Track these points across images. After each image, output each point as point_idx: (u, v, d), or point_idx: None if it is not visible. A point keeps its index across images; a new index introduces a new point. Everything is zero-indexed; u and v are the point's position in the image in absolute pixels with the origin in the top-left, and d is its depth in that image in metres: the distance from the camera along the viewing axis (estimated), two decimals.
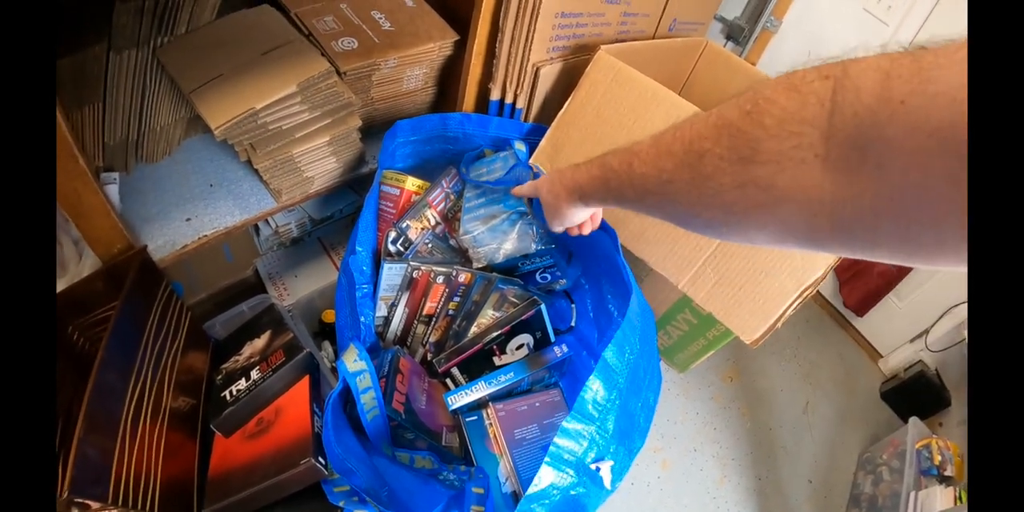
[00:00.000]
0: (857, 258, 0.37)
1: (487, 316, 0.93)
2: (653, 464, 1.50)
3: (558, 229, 0.77)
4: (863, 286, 1.85)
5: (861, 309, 1.90)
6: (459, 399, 0.87)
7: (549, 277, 1.02)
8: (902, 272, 1.75)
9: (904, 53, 0.32)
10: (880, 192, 0.32)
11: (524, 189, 0.82)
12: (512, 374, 0.89)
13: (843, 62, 0.35)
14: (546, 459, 0.68)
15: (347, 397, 0.79)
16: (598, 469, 0.75)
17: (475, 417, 0.86)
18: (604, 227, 0.93)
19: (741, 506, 1.52)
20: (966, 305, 1.58)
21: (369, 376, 0.76)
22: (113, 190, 0.95)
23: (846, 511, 1.58)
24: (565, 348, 0.92)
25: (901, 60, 0.31)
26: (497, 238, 0.95)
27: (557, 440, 0.69)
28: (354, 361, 0.75)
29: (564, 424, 0.70)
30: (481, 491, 0.72)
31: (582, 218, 0.75)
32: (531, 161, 0.99)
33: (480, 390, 0.88)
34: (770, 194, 0.37)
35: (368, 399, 0.76)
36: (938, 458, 1.45)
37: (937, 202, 0.30)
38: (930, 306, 1.75)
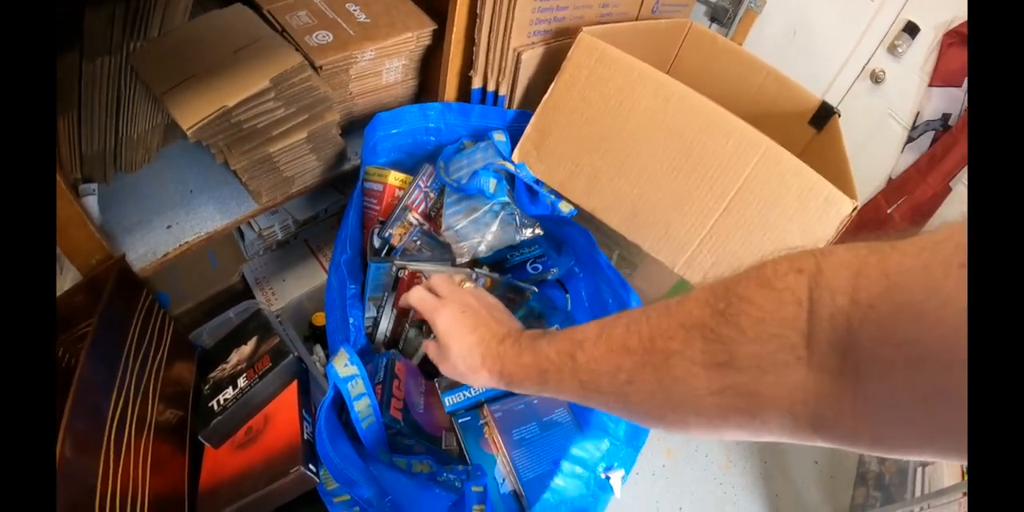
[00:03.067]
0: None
1: None
2: (657, 453, 1.46)
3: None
4: None
5: None
6: (456, 399, 0.82)
7: (540, 267, 0.96)
8: None
9: (870, 247, 0.30)
10: (858, 397, 0.30)
11: (431, 351, 0.61)
12: None
13: (815, 254, 0.32)
14: (558, 474, 0.66)
15: (340, 403, 0.73)
16: (608, 478, 0.70)
17: (469, 418, 0.80)
18: (577, 229, 0.88)
19: (748, 490, 1.48)
20: None
21: (362, 381, 0.69)
22: (92, 201, 0.90)
23: (853, 490, 1.54)
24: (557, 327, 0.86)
25: (868, 258, 0.30)
26: (480, 231, 0.89)
27: (572, 452, 0.64)
28: (344, 365, 0.68)
29: (580, 441, 0.66)
30: (480, 489, 0.67)
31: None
32: (517, 148, 0.93)
33: (477, 390, 0.82)
34: (751, 400, 0.34)
35: (363, 407, 0.69)
36: None
37: (912, 417, 0.29)
38: None
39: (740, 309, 0.34)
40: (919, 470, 1.41)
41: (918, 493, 1.38)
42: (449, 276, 0.70)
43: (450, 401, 0.81)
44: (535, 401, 0.86)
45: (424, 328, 0.86)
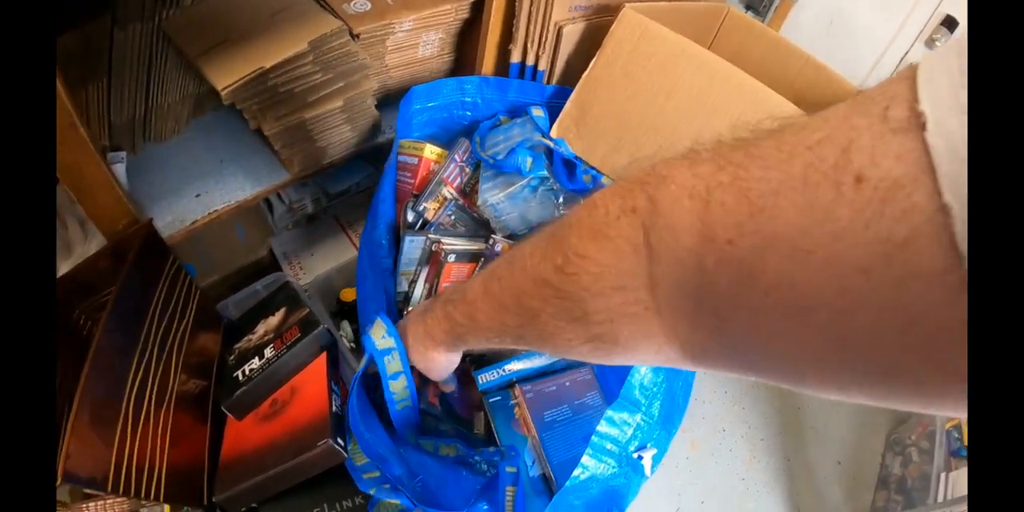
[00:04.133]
0: None
1: None
2: (682, 444, 1.42)
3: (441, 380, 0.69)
4: None
5: None
6: (489, 377, 0.79)
7: None
8: None
9: (717, 160, 0.25)
10: (724, 344, 0.27)
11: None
12: (546, 356, 0.81)
13: (645, 185, 0.28)
14: (588, 451, 0.61)
15: (373, 378, 0.69)
16: (640, 458, 0.67)
17: (500, 397, 0.77)
18: None
19: (770, 487, 1.44)
20: None
21: (399, 356, 0.63)
22: (120, 169, 0.88)
23: (875, 493, 1.50)
24: None
25: (718, 176, 0.24)
26: (518, 206, 0.86)
27: (600, 429, 0.61)
28: (382, 337, 0.63)
29: (609, 412, 0.62)
30: (514, 470, 0.64)
31: (449, 366, 0.64)
32: (556, 124, 0.90)
33: (512, 368, 0.79)
34: (619, 345, 0.33)
35: (399, 388, 0.65)
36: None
37: (801, 370, 0.24)
38: None
39: (578, 266, 0.32)
40: (943, 476, 1.37)
41: (940, 498, 1.34)
42: None
43: (483, 379, 0.79)
44: (567, 383, 0.83)
45: None
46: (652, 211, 0.27)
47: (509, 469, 0.64)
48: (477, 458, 0.72)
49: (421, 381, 0.71)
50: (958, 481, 1.34)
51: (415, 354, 0.61)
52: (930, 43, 1.44)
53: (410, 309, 0.83)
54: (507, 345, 0.46)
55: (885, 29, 1.47)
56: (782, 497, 1.43)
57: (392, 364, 0.64)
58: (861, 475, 1.52)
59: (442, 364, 0.61)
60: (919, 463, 1.45)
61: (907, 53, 1.47)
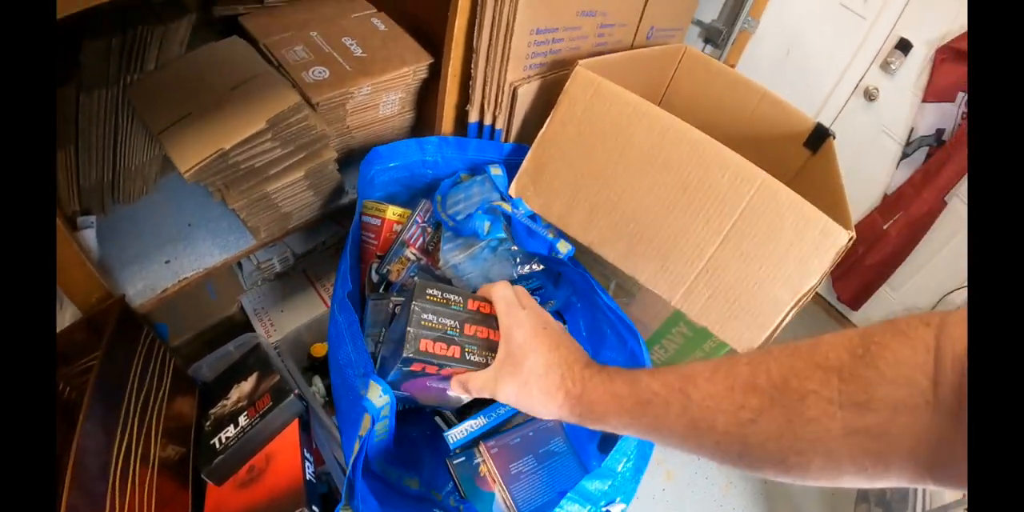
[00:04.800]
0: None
1: None
2: (656, 476, 1.46)
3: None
4: (856, 280, 1.80)
5: (855, 303, 1.86)
6: (458, 434, 0.82)
7: (538, 299, 0.97)
8: (896, 261, 1.71)
9: None
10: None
11: (476, 383, 0.57)
12: (508, 407, 0.84)
13: (940, 313, 0.36)
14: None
15: None
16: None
17: (463, 458, 0.81)
18: (575, 271, 0.88)
19: (749, 511, 1.48)
20: (961, 290, 1.56)
21: (389, 407, 0.69)
22: (90, 234, 0.91)
23: (855, 506, 1.54)
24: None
25: None
26: (479, 266, 0.90)
27: (572, 495, 0.64)
28: (379, 397, 0.67)
29: (584, 483, 0.65)
30: None
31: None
32: (514, 182, 0.94)
33: (478, 424, 0.83)
34: (882, 441, 0.36)
35: (381, 428, 0.71)
36: None
37: None
38: (925, 293, 1.70)
39: (878, 353, 0.36)
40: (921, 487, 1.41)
41: (919, 510, 1.39)
42: (526, 291, 0.65)
43: (453, 437, 0.82)
44: (531, 433, 0.86)
45: None
46: (942, 325, 0.35)
47: None
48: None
49: None
50: (936, 492, 1.38)
51: (529, 397, 0.51)
52: (885, 66, 1.49)
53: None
54: (682, 437, 0.43)
55: (841, 55, 1.52)
56: None
57: (383, 411, 0.68)
58: (840, 490, 1.57)
59: (537, 403, 0.52)
60: None
61: (863, 77, 1.52)
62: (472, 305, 0.67)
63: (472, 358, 0.61)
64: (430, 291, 0.66)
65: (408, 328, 0.61)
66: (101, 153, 0.89)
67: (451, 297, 0.67)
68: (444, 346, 0.61)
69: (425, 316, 0.62)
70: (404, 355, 0.59)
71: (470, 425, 0.83)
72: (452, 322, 0.63)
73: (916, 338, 0.35)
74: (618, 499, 0.74)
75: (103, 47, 0.81)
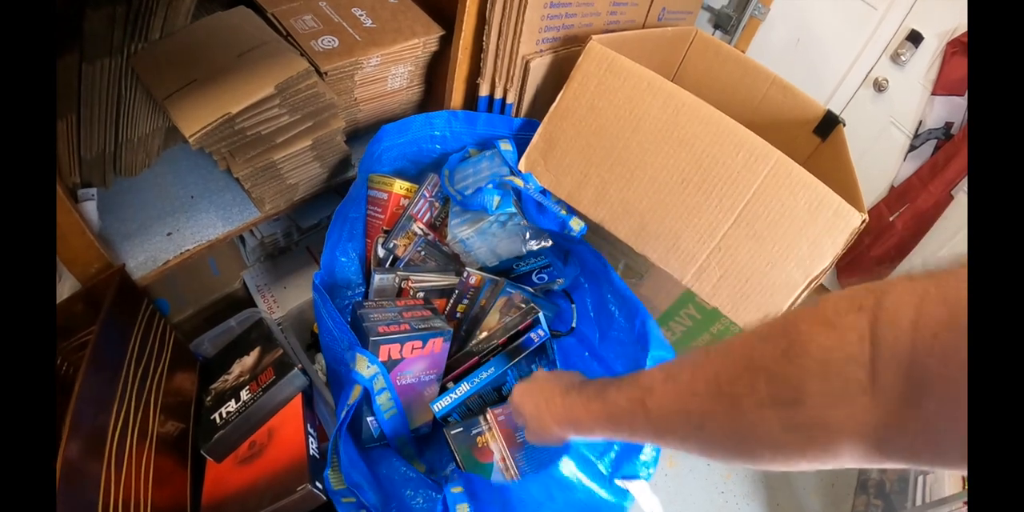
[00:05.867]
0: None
1: (493, 321, 0.86)
2: (659, 462, 1.44)
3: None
4: (861, 271, 1.78)
5: None
6: (444, 403, 0.81)
7: (546, 277, 0.95)
8: (901, 253, 1.69)
9: (929, 278, 0.32)
10: (921, 420, 0.32)
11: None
12: (492, 369, 0.83)
13: (874, 291, 0.34)
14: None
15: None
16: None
17: (460, 429, 0.79)
18: (587, 248, 0.87)
19: (749, 498, 1.47)
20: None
21: (383, 377, 0.72)
22: (91, 206, 0.88)
23: (854, 498, 1.52)
24: (541, 333, 0.84)
25: (929, 290, 0.31)
26: (487, 241, 0.88)
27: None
28: (367, 367, 0.70)
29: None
30: (460, 490, 0.68)
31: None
32: (524, 157, 0.91)
33: (463, 390, 0.81)
34: (822, 432, 0.35)
35: (384, 400, 0.73)
36: None
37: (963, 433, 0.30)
38: None
39: (803, 348, 0.35)
40: (920, 478, 1.40)
41: (919, 502, 1.37)
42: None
43: (438, 407, 0.81)
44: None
45: None
46: (878, 309, 0.33)
47: (455, 490, 0.68)
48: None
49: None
50: (936, 483, 1.36)
51: (536, 425, 0.59)
52: (895, 58, 1.47)
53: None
54: (653, 439, 0.47)
55: (851, 45, 1.50)
56: (762, 508, 1.46)
57: (377, 383, 0.71)
58: (840, 481, 1.55)
59: (557, 441, 0.59)
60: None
61: (872, 68, 1.50)
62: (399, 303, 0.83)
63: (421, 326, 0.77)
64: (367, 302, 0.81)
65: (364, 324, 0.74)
66: (103, 124, 0.87)
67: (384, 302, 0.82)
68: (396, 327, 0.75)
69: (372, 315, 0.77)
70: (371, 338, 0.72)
71: (454, 394, 0.82)
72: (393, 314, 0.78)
73: (845, 328, 0.34)
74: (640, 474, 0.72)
75: (107, 15, 0.79)
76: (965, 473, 0.32)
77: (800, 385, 0.35)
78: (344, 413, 0.68)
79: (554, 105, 0.89)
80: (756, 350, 0.38)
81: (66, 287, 0.85)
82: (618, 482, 0.69)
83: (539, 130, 0.90)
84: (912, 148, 1.52)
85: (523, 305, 0.86)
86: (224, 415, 0.79)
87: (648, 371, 0.47)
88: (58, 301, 0.80)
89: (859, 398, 0.33)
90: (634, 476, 0.70)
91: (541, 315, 0.83)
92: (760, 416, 0.37)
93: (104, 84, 0.83)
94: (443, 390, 0.83)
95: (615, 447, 0.70)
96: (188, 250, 0.88)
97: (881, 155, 1.55)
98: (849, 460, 0.36)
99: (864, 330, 0.33)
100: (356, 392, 0.70)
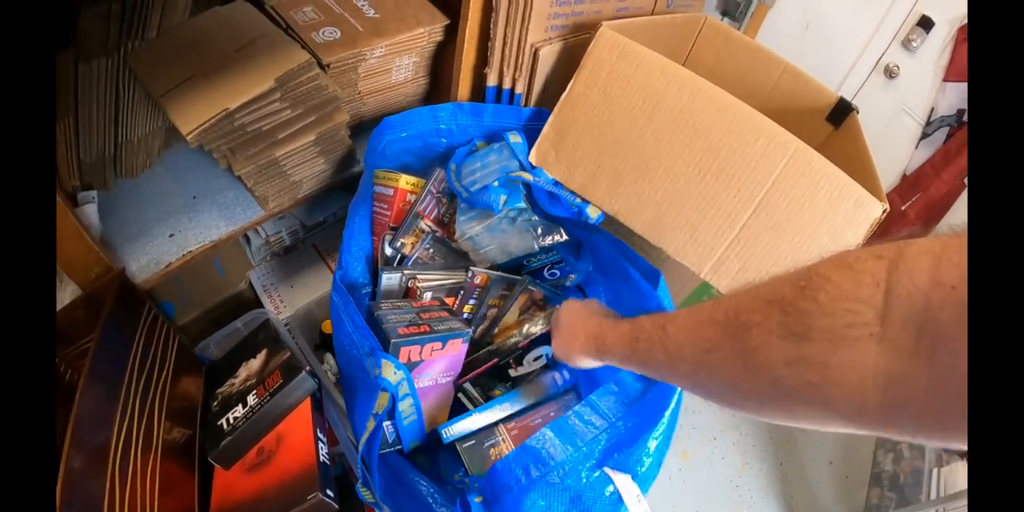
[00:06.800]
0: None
1: (512, 319, 0.82)
2: (673, 456, 1.41)
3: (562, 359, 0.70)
4: None
5: None
6: (453, 430, 0.76)
7: (558, 273, 0.91)
8: None
9: (954, 235, 0.31)
10: (931, 375, 0.31)
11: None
12: (507, 405, 0.79)
13: (897, 244, 0.33)
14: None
15: None
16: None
17: (472, 442, 0.76)
18: (605, 235, 0.82)
19: (764, 492, 1.43)
20: None
21: (407, 385, 0.68)
22: (92, 209, 0.85)
23: (868, 490, 1.49)
24: (566, 374, 0.81)
25: (951, 242, 0.31)
26: (497, 238, 0.83)
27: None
28: (394, 373, 0.67)
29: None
30: (480, 499, 0.64)
31: (586, 366, 0.67)
32: (534, 149, 0.87)
33: (474, 421, 0.77)
34: (822, 373, 0.35)
35: (406, 407, 0.70)
36: None
37: None
38: None
39: (818, 285, 0.35)
40: (935, 471, 1.36)
41: (933, 495, 1.34)
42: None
43: (448, 433, 0.76)
44: (551, 413, 0.81)
45: None
46: (898, 258, 0.32)
47: (477, 499, 0.64)
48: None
49: None
50: (950, 476, 1.33)
51: (567, 335, 0.64)
52: (906, 44, 1.42)
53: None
54: (664, 366, 0.48)
55: (862, 31, 1.45)
56: (776, 501, 1.42)
57: (402, 389, 0.68)
58: (853, 474, 1.51)
59: (574, 355, 0.64)
60: (911, 459, 1.44)
61: (883, 54, 1.45)
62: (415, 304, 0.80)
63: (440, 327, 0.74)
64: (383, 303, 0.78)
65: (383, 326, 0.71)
66: (102, 125, 0.84)
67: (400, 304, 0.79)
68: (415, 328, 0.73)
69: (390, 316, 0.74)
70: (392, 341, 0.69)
71: (466, 423, 0.78)
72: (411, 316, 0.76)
73: (862, 271, 0.33)
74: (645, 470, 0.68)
75: (102, 13, 0.75)
76: (961, 447, 0.31)
77: (808, 319, 0.35)
78: (372, 423, 0.65)
79: (565, 94, 0.84)
80: (778, 287, 0.38)
81: (67, 293, 0.82)
82: (606, 470, 0.64)
83: (550, 120, 0.86)
84: (924, 136, 1.47)
85: (543, 303, 0.81)
86: (231, 421, 0.75)
87: (679, 310, 0.49)
88: (59, 308, 0.76)
89: (866, 343, 0.32)
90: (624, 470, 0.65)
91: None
92: (766, 343, 0.37)
93: (101, 84, 0.80)
94: (455, 402, 0.80)
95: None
96: (191, 251, 0.84)
97: (893, 143, 1.51)
98: (840, 414, 0.35)
99: (881, 276, 0.32)
100: (383, 401, 0.66)
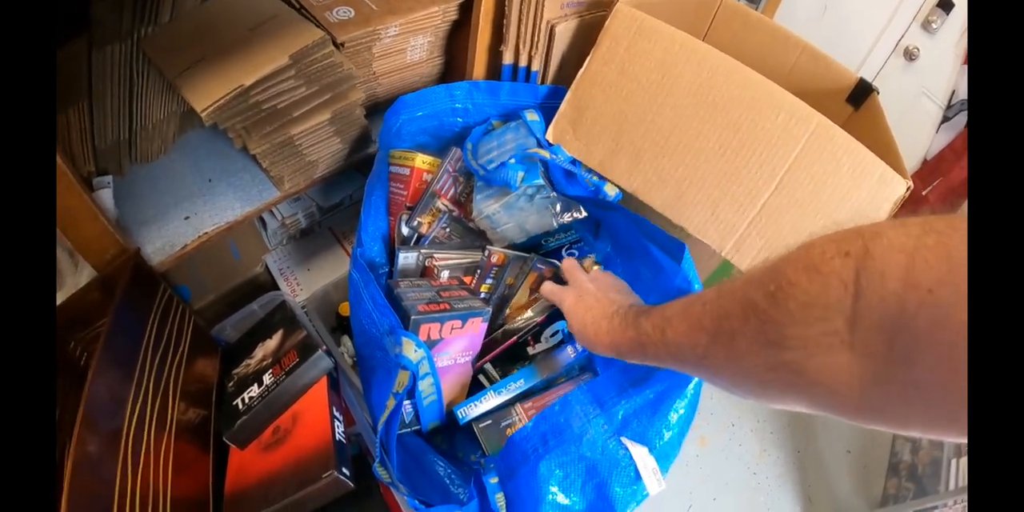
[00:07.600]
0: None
1: (523, 299, 0.79)
2: (691, 442, 1.38)
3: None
4: None
5: None
6: (470, 411, 0.74)
7: (576, 253, 0.89)
8: None
9: (923, 226, 0.29)
10: (907, 384, 0.30)
11: (557, 295, 0.69)
12: (522, 382, 0.76)
13: (861, 235, 0.32)
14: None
15: None
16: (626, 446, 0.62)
17: (489, 421, 0.73)
18: (624, 213, 0.79)
19: (782, 479, 1.40)
20: None
21: (427, 362, 0.66)
22: (107, 194, 0.83)
23: (885, 480, 1.45)
24: (580, 347, 0.78)
25: (924, 239, 0.29)
26: (515, 216, 0.81)
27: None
28: (414, 351, 0.65)
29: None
30: (496, 480, 0.63)
31: None
32: (552, 127, 0.84)
33: (489, 400, 0.75)
34: (802, 377, 0.35)
35: (426, 386, 0.68)
36: None
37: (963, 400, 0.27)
38: None
39: (788, 292, 0.34)
40: (953, 462, 1.32)
41: (952, 486, 1.30)
42: (577, 262, 0.73)
43: (463, 413, 0.74)
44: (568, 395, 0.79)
45: None
46: (865, 257, 0.30)
47: (492, 480, 0.64)
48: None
49: None
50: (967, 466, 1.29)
51: (585, 343, 0.62)
52: (926, 25, 1.38)
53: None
54: (676, 366, 0.48)
55: (880, 12, 1.41)
56: (794, 489, 1.39)
57: (423, 367, 0.66)
58: (871, 463, 1.48)
59: (592, 349, 0.62)
60: (929, 449, 1.41)
61: (902, 37, 1.41)
62: (435, 283, 0.77)
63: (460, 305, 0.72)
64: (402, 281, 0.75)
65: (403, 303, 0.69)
66: (116, 111, 0.82)
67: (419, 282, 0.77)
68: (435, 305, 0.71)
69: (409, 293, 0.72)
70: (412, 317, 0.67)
71: (481, 403, 0.75)
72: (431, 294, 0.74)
73: (829, 273, 0.32)
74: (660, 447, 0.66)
75: (114, 0, 0.74)
76: (960, 440, 0.30)
77: (782, 328, 0.35)
78: (392, 402, 0.63)
79: (582, 71, 0.82)
80: (749, 292, 0.38)
81: (84, 276, 0.81)
82: (624, 440, 0.62)
83: (567, 97, 0.83)
84: (945, 119, 1.43)
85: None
86: (246, 400, 0.74)
87: (673, 302, 0.49)
88: (75, 290, 0.75)
89: (838, 350, 0.32)
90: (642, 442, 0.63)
91: None
92: (750, 350, 0.38)
93: (115, 70, 0.78)
94: (475, 383, 0.78)
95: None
96: (207, 233, 0.82)
97: (913, 127, 1.47)
98: (831, 410, 0.35)
99: (849, 277, 0.31)
100: (404, 379, 0.64)
